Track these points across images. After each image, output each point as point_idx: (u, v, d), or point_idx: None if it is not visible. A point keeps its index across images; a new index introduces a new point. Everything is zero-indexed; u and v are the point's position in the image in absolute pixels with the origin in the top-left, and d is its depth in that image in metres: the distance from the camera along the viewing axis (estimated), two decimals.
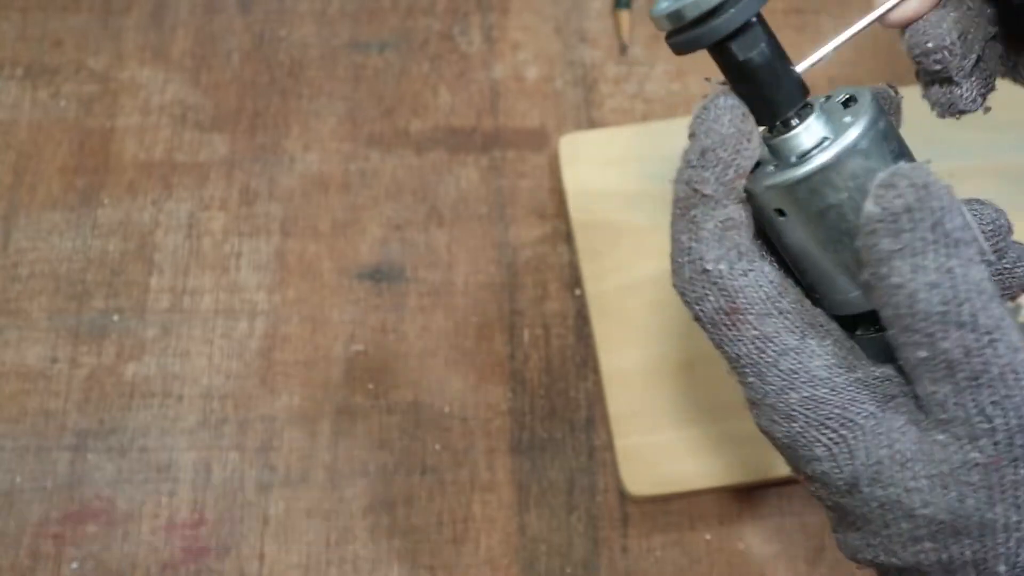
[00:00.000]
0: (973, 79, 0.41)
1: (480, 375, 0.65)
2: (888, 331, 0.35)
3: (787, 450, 0.39)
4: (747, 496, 0.61)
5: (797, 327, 0.37)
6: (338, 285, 0.68)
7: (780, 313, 0.38)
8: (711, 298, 0.38)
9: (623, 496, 0.61)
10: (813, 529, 0.61)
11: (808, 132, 0.38)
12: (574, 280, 0.68)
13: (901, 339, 0.34)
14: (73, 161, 0.72)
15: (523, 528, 0.60)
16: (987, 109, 0.41)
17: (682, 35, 0.36)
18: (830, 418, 0.37)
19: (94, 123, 0.73)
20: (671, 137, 0.69)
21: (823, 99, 0.39)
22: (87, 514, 0.61)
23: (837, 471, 0.38)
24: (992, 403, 0.34)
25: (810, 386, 0.37)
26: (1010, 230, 0.40)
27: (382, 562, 0.59)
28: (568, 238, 0.69)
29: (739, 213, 0.37)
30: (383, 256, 0.69)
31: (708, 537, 0.60)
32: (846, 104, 0.38)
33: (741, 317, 0.37)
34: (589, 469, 0.62)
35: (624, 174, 0.68)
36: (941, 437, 0.35)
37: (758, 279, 0.37)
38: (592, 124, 0.73)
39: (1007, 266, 0.41)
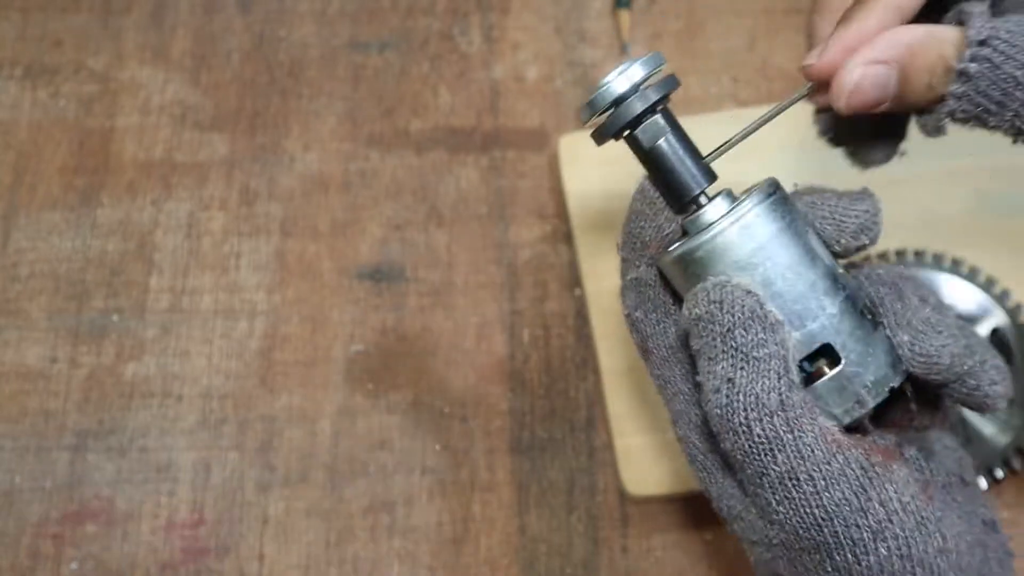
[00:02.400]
0: (879, 144, 0.45)
1: (480, 375, 0.65)
2: None
3: None
4: None
5: (691, 378, 0.42)
6: (338, 285, 0.68)
7: (679, 363, 0.43)
8: (634, 336, 0.45)
9: (623, 496, 0.61)
10: None
11: (712, 211, 0.41)
12: (574, 280, 0.68)
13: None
14: (73, 161, 0.72)
15: (523, 528, 0.60)
16: (902, 154, 0.44)
17: (599, 127, 0.42)
18: (696, 459, 0.42)
19: (94, 123, 0.73)
20: None
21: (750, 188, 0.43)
22: (87, 514, 0.61)
23: (710, 499, 0.43)
24: (776, 500, 0.38)
25: (688, 428, 0.43)
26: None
27: (382, 562, 0.59)
28: (568, 238, 0.69)
29: (649, 274, 0.43)
30: (383, 256, 0.69)
31: (708, 537, 0.60)
32: (753, 191, 0.41)
33: (651, 357, 0.44)
34: (589, 469, 0.62)
35: (624, 174, 0.67)
36: (753, 510, 0.40)
37: (665, 330, 0.44)
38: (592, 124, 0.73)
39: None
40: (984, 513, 0.42)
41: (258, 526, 0.60)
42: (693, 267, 0.40)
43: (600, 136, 0.42)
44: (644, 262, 0.44)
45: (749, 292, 0.39)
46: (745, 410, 0.37)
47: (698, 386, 0.40)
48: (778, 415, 0.37)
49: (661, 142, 0.42)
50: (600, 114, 0.42)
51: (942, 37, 0.39)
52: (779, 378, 0.37)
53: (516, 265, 0.68)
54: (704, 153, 0.43)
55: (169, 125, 0.73)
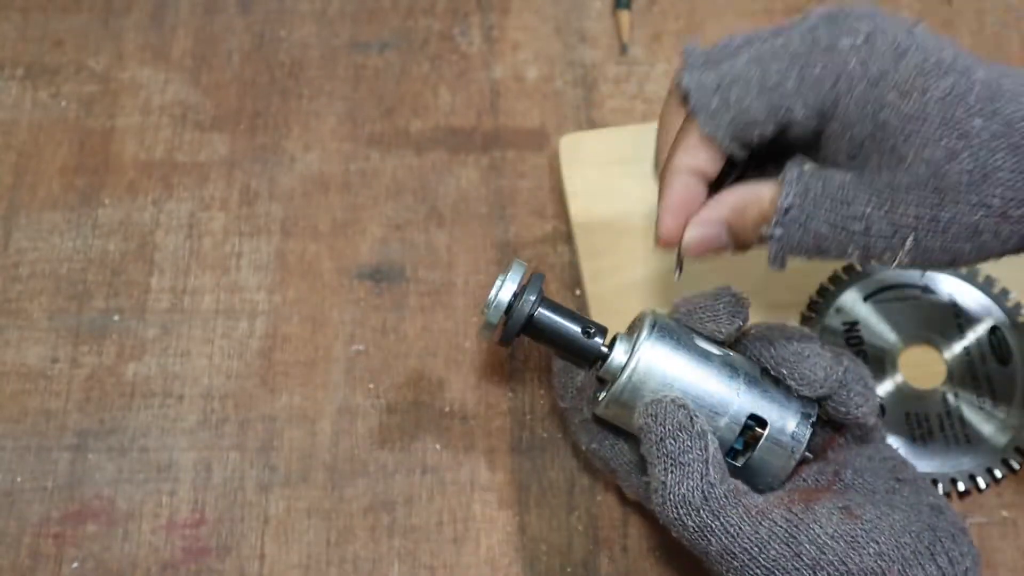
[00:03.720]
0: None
1: (480, 375, 0.65)
2: None
3: None
4: None
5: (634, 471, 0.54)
6: (338, 285, 0.68)
7: (638, 469, 0.54)
8: (598, 464, 0.56)
9: (623, 496, 0.61)
10: None
11: (618, 355, 0.51)
12: (574, 280, 0.68)
13: None
14: (73, 161, 0.72)
15: (523, 528, 0.60)
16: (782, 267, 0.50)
17: (501, 335, 0.52)
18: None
19: (94, 123, 0.74)
20: None
21: (633, 322, 0.53)
22: (87, 514, 0.61)
23: None
24: (724, 570, 0.47)
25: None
26: (827, 379, 0.50)
27: (382, 562, 0.60)
28: (568, 238, 0.69)
29: (587, 414, 0.55)
30: (383, 256, 0.69)
31: None
32: (638, 332, 0.51)
33: (618, 474, 0.55)
34: (589, 469, 0.62)
35: (624, 174, 0.68)
36: None
37: (620, 450, 0.55)
38: (592, 124, 0.73)
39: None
40: (931, 500, 0.49)
41: (259, 526, 0.60)
42: (623, 403, 0.50)
43: (506, 339, 0.52)
44: (585, 404, 0.54)
45: (680, 405, 0.48)
46: (676, 508, 0.46)
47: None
48: (703, 508, 0.46)
49: (552, 328, 0.52)
50: (495, 327, 0.52)
51: (760, 196, 0.48)
52: (701, 478, 0.46)
53: None
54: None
55: (169, 125, 0.73)
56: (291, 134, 0.73)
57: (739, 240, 0.49)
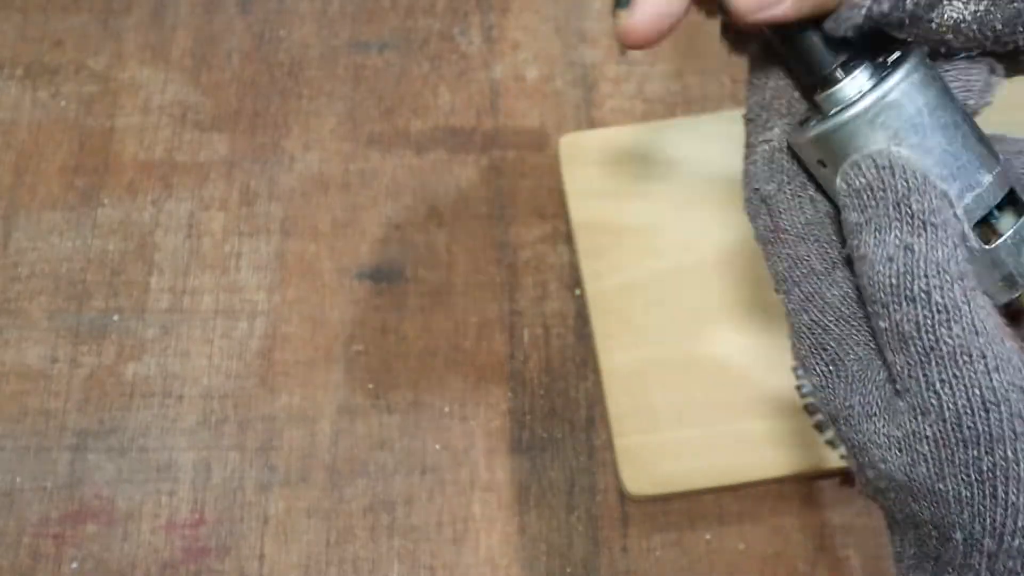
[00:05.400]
0: None
1: (480, 375, 0.65)
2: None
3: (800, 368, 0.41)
4: (747, 496, 0.61)
5: (828, 256, 0.39)
6: (338, 285, 0.68)
7: (815, 240, 0.39)
8: (763, 216, 0.40)
9: (623, 496, 0.61)
10: (813, 529, 0.61)
11: (851, 86, 0.38)
12: (574, 280, 0.68)
13: (868, 308, 0.36)
14: (73, 161, 0.72)
15: (523, 528, 0.60)
16: None
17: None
18: (826, 348, 0.39)
19: (94, 123, 0.73)
20: (671, 137, 0.69)
21: (881, 58, 0.39)
22: (87, 514, 0.61)
23: (824, 402, 0.39)
24: (941, 380, 0.35)
25: (819, 311, 0.39)
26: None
27: (382, 562, 0.59)
28: (568, 238, 0.69)
29: (784, 139, 0.39)
30: (383, 256, 0.69)
31: (708, 537, 0.60)
32: (897, 62, 0.38)
33: (783, 236, 0.40)
34: (589, 469, 0.62)
35: (624, 174, 0.68)
36: (901, 404, 0.36)
37: (802, 204, 0.40)
38: (592, 124, 0.73)
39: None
40: None
41: (258, 526, 0.60)
42: (842, 140, 0.38)
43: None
44: (780, 124, 0.40)
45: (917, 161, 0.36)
46: (926, 276, 0.35)
47: (847, 262, 0.38)
48: (958, 283, 0.35)
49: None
50: None
51: None
52: (956, 247, 0.35)
53: (516, 265, 0.68)
54: None
55: (169, 125, 0.73)
56: (291, 134, 0.73)
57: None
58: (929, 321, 0.35)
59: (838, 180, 0.37)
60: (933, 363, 0.35)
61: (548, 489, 0.61)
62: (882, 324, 0.36)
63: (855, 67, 0.38)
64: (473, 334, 0.66)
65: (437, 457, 0.62)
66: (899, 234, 0.35)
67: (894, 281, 0.35)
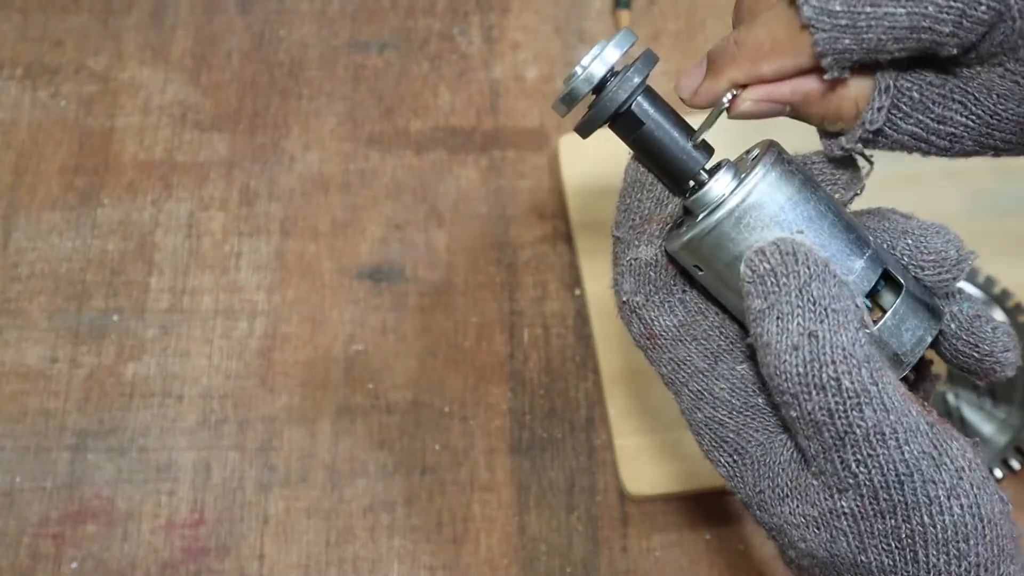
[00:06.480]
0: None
1: (480, 375, 0.65)
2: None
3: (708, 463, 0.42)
4: None
5: (710, 352, 0.41)
6: (338, 285, 0.68)
7: (693, 339, 0.41)
8: (635, 324, 0.42)
9: (623, 496, 0.61)
10: None
11: (716, 188, 0.39)
12: (574, 280, 0.68)
13: (775, 397, 0.36)
14: (73, 161, 0.72)
15: (523, 528, 0.60)
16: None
17: (583, 120, 0.39)
18: (726, 440, 0.41)
19: (94, 123, 0.73)
20: None
21: (746, 153, 0.40)
22: (87, 514, 0.61)
23: (737, 491, 0.41)
24: (856, 461, 0.36)
25: (712, 407, 0.41)
26: (960, 261, 0.41)
27: (382, 562, 0.59)
28: (568, 238, 0.69)
29: (650, 253, 0.41)
30: (383, 256, 0.69)
31: (708, 537, 0.60)
32: (756, 159, 0.39)
33: (660, 341, 0.41)
34: (589, 469, 0.62)
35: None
36: (813, 482, 0.37)
37: (672, 308, 0.41)
38: None
39: (955, 311, 0.41)
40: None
41: (258, 526, 0.60)
42: (717, 241, 0.38)
43: (586, 129, 0.39)
44: (644, 240, 0.41)
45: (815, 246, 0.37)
46: (834, 363, 0.35)
47: (749, 348, 0.38)
48: (864, 367, 0.35)
49: (651, 125, 0.39)
50: (576, 103, 0.39)
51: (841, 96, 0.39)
52: (857, 330, 0.35)
53: (516, 265, 0.68)
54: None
55: (169, 125, 0.73)
56: (291, 134, 0.73)
57: (798, 117, 0.40)
58: (841, 407, 0.35)
59: (742, 267, 0.37)
60: (848, 446, 0.35)
61: (548, 489, 0.61)
62: (792, 413, 0.36)
63: (718, 168, 0.39)
64: (473, 334, 0.66)
65: (437, 457, 0.62)
66: (802, 321, 0.36)
67: (801, 370, 0.35)
